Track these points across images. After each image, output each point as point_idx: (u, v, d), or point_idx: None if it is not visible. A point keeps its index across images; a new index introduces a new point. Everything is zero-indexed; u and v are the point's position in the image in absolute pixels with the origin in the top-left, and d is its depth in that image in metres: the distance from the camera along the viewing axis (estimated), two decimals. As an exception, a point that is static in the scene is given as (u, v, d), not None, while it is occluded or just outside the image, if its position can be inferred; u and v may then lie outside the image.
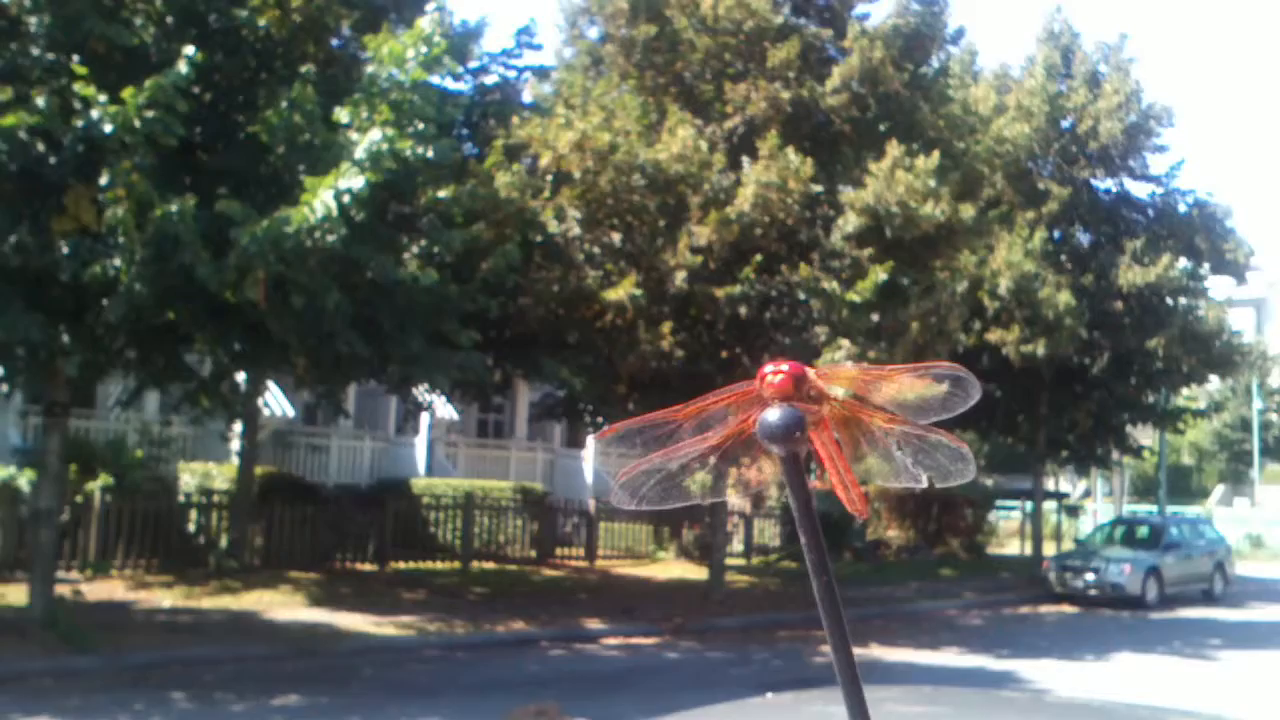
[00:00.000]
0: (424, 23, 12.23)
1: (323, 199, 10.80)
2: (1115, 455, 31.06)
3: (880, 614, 19.31)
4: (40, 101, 10.46)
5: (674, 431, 1.39)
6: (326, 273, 11.35)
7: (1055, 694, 8.28)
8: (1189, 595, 24.31)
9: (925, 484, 1.33)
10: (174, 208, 10.36)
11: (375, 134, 11.32)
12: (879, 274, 15.38)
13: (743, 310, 15.76)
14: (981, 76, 25.56)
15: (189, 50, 10.95)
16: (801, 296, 15.81)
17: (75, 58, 10.84)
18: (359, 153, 11.20)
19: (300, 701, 10.70)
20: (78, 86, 10.51)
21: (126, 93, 10.29)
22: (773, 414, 1.22)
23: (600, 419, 19.49)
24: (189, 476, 19.48)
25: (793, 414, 1.22)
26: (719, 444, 1.37)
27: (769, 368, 1.27)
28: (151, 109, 10.41)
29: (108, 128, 10.31)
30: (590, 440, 27.51)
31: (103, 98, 10.35)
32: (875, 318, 15.88)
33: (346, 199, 10.92)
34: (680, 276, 15.54)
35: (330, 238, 10.92)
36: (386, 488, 22.38)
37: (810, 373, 1.29)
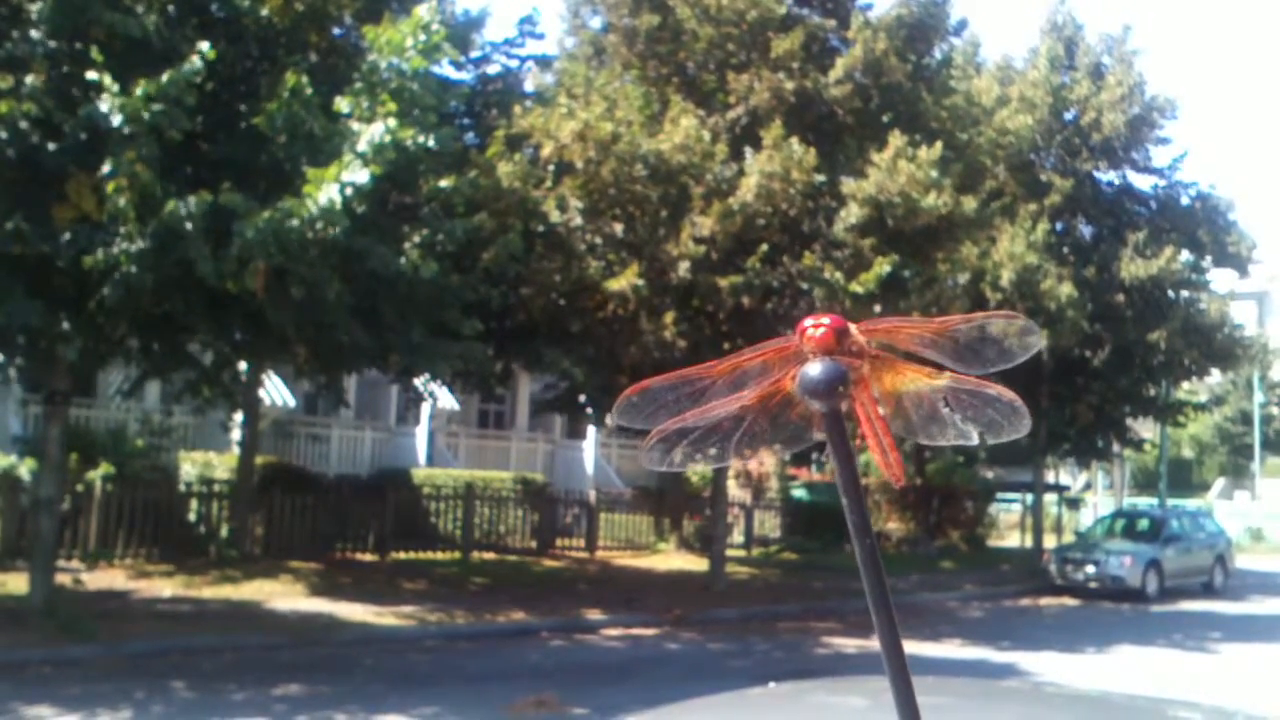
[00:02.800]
0: (422, 10, 12.20)
1: (327, 192, 10.77)
2: (1116, 448, 31.06)
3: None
4: (40, 90, 10.43)
5: (707, 389, 1.33)
6: (327, 263, 11.33)
7: (1056, 685, 8.27)
8: (1189, 588, 24.31)
9: (976, 440, 1.28)
10: (185, 205, 10.33)
11: (379, 126, 11.29)
12: (883, 266, 15.36)
13: (745, 300, 15.74)
14: (984, 68, 25.51)
15: (204, 46, 10.91)
16: (804, 287, 15.79)
17: (78, 45, 10.80)
18: (362, 145, 11.16)
19: (301, 691, 10.70)
20: (90, 74, 10.47)
21: (138, 86, 10.26)
22: (814, 368, 1.17)
23: (601, 410, 19.46)
24: (190, 466, 19.48)
25: (835, 368, 1.17)
26: (756, 401, 1.31)
27: (809, 321, 1.22)
28: (160, 102, 10.39)
29: (116, 119, 10.28)
30: (591, 431, 27.49)
31: (114, 86, 10.31)
32: (877, 309, 15.87)
33: (349, 192, 10.90)
34: (683, 267, 15.52)
35: (333, 231, 10.91)
36: (387, 478, 22.36)
37: (853, 327, 1.24)
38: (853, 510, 1.20)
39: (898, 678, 1.24)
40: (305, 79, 11.29)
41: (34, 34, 10.86)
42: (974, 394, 1.25)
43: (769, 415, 1.31)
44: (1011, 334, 1.26)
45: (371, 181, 11.05)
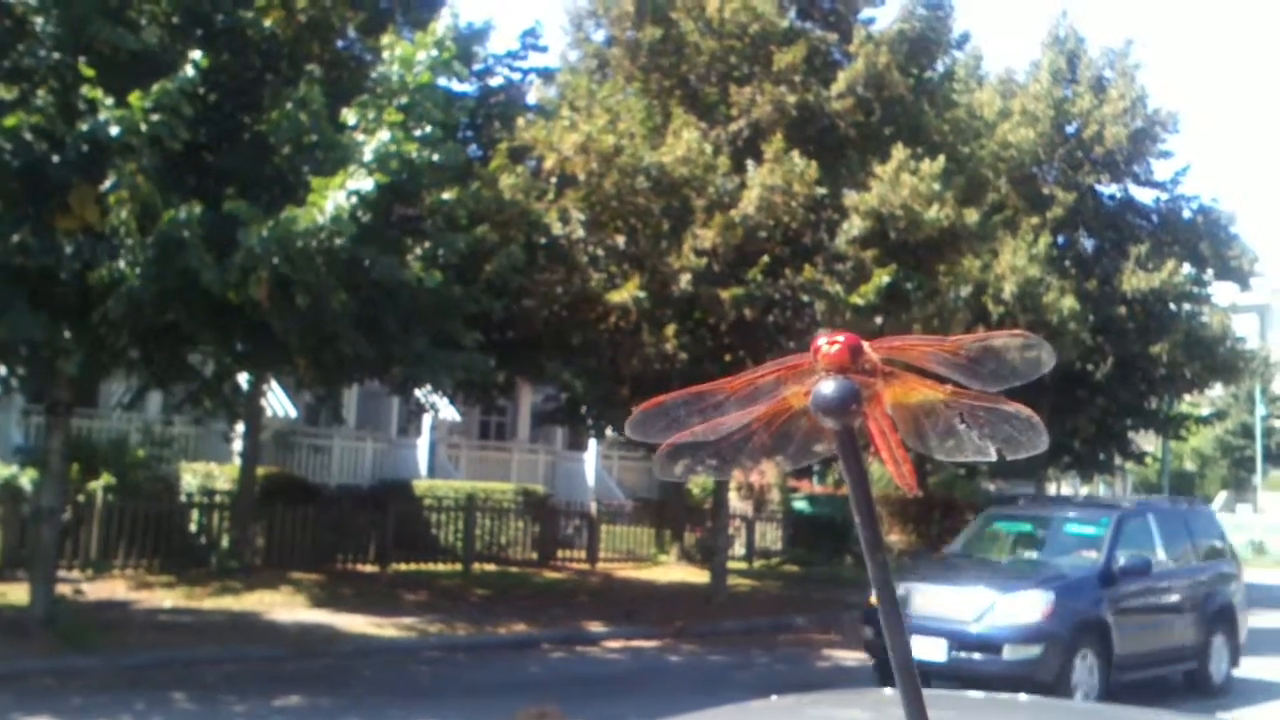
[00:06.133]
0: (438, 27, 12.23)
1: (333, 199, 10.80)
2: (1118, 461, 30.99)
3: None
4: (43, 102, 10.47)
5: (720, 404, 1.34)
6: (332, 273, 11.35)
7: (1056, 699, 8.26)
8: (1191, 601, 24.18)
9: (994, 457, 1.28)
10: (182, 214, 10.35)
11: (384, 135, 11.32)
12: (882, 277, 15.37)
13: (747, 313, 15.75)
14: (986, 81, 25.53)
15: (195, 54, 10.96)
16: (805, 299, 15.80)
17: (81, 59, 10.84)
18: (367, 155, 11.19)
19: (301, 702, 10.69)
20: (84, 89, 10.51)
21: (133, 97, 10.29)
22: (827, 386, 1.19)
23: (602, 422, 19.44)
24: (191, 476, 19.46)
25: (848, 386, 1.18)
26: (768, 416, 1.33)
27: (823, 339, 1.23)
28: (157, 112, 10.41)
29: (114, 130, 10.31)
30: (592, 443, 27.48)
31: (109, 100, 10.35)
32: (879, 321, 15.87)
33: (354, 200, 10.93)
34: (684, 279, 15.53)
35: (338, 240, 10.93)
36: (388, 489, 22.37)
37: (866, 345, 1.25)
38: (865, 526, 1.22)
39: (909, 690, 1.25)
40: (316, 89, 11.32)
41: (40, 51, 10.90)
42: (990, 411, 1.27)
43: (776, 429, 1.33)
44: (1024, 352, 1.27)
45: (376, 190, 11.08)
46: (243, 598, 15.81)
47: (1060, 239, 26.06)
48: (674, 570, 23.87)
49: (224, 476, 19.35)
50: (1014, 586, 11.54)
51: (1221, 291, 28.51)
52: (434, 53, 11.93)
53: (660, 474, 1.37)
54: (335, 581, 17.87)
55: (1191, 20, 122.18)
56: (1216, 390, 38.18)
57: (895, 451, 1.30)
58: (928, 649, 10.80)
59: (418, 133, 11.68)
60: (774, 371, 1.34)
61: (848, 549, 27.26)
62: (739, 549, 25.96)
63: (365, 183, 11.00)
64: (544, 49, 17.36)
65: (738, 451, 1.35)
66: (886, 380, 1.28)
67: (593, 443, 27.44)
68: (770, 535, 28.28)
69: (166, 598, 15.48)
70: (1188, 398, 31.52)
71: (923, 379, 1.29)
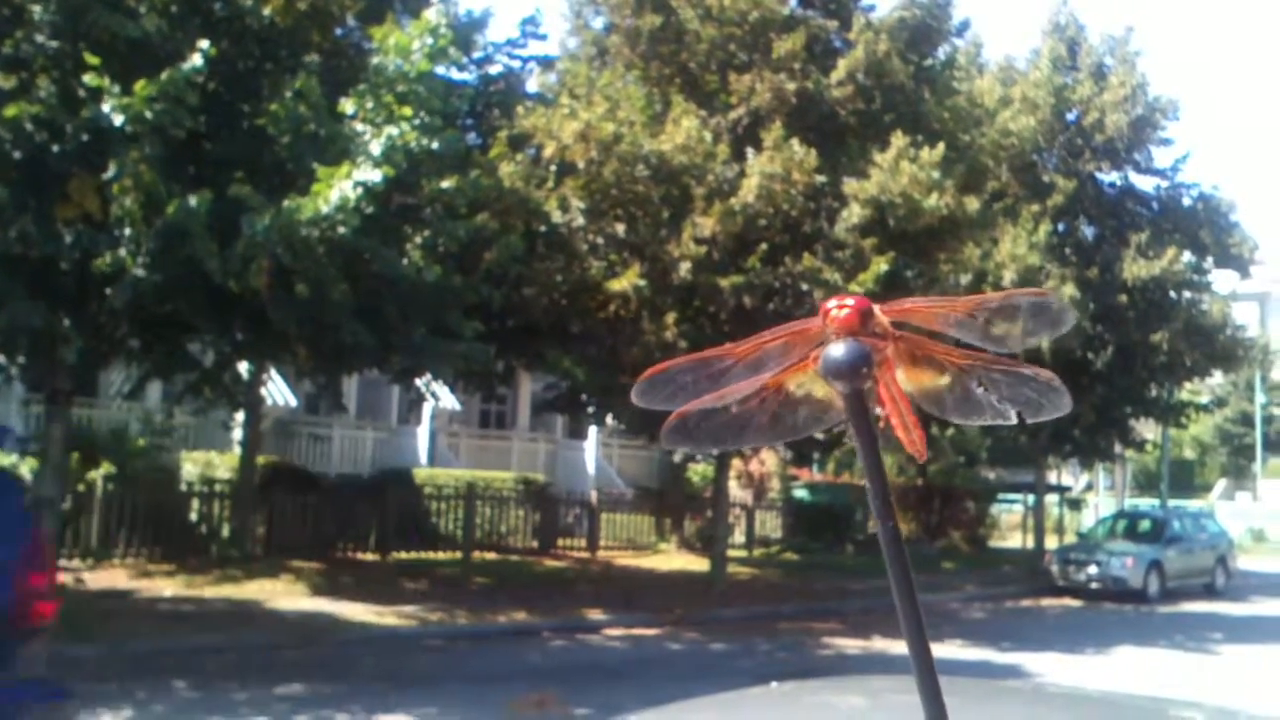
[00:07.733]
0: (430, 14, 12.22)
1: (341, 189, 10.79)
2: (1118, 449, 31.01)
3: (882, 606, 19.29)
4: (43, 91, 10.45)
5: (726, 370, 1.31)
6: (333, 263, 11.35)
7: (1059, 685, 8.26)
8: (1191, 589, 24.28)
9: (1015, 419, 1.26)
10: (191, 201, 10.34)
11: (393, 129, 11.32)
12: (881, 265, 15.36)
13: (746, 301, 15.75)
14: (987, 69, 25.50)
15: (204, 44, 10.94)
16: (804, 287, 15.79)
17: (80, 47, 10.81)
18: (376, 149, 11.20)
19: (302, 690, 10.71)
20: (87, 78, 10.49)
21: (138, 86, 10.27)
22: (838, 349, 1.16)
23: (603, 410, 19.44)
24: (191, 466, 19.48)
25: (859, 349, 1.16)
26: (777, 384, 1.29)
27: (833, 302, 1.21)
28: (161, 101, 10.40)
29: (117, 119, 10.30)
30: (592, 431, 27.48)
31: (115, 89, 10.33)
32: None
33: (360, 192, 10.93)
34: (684, 267, 15.52)
35: (341, 229, 10.93)
36: (388, 478, 22.37)
37: (877, 308, 1.23)
38: (876, 494, 1.19)
39: (922, 664, 1.24)
40: (314, 80, 11.30)
41: (37, 36, 10.87)
42: (1008, 373, 1.24)
43: (786, 398, 1.31)
44: (1039, 310, 1.25)
45: (384, 181, 11.09)
46: (243, 586, 15.82)
47: (1060, 227, 26.06)
48: (674, 558, 23.91)
49: (224, 465, 19.37)
50: None
51: (1221, 279, 28.49)
52: (429, 40, 11.91)
53: (668, 444, 1.33)
54: (335, 570, 17.89)
55: (1192, 7, 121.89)
56: (1216, 378, 38.13)
57: (906, 418, 1.27)
58: None
59: (415, 121, 11.68)
60: (782, 336, 1.31)
61: (848, 537, 27.30)
62: (739, 537, 26.00)
63: (373, 175, 11.01)
64: (543, 37, 17.36)
65: (746, 423, 1.31)
66: (898, 344, 1.26)
67: (593, 431, 27.44)
68: (770, 523, 28.31)
69: (167, 586, 15.49)
70: (1188, 385, 31.51)
71: (935, 343, 1.27)
